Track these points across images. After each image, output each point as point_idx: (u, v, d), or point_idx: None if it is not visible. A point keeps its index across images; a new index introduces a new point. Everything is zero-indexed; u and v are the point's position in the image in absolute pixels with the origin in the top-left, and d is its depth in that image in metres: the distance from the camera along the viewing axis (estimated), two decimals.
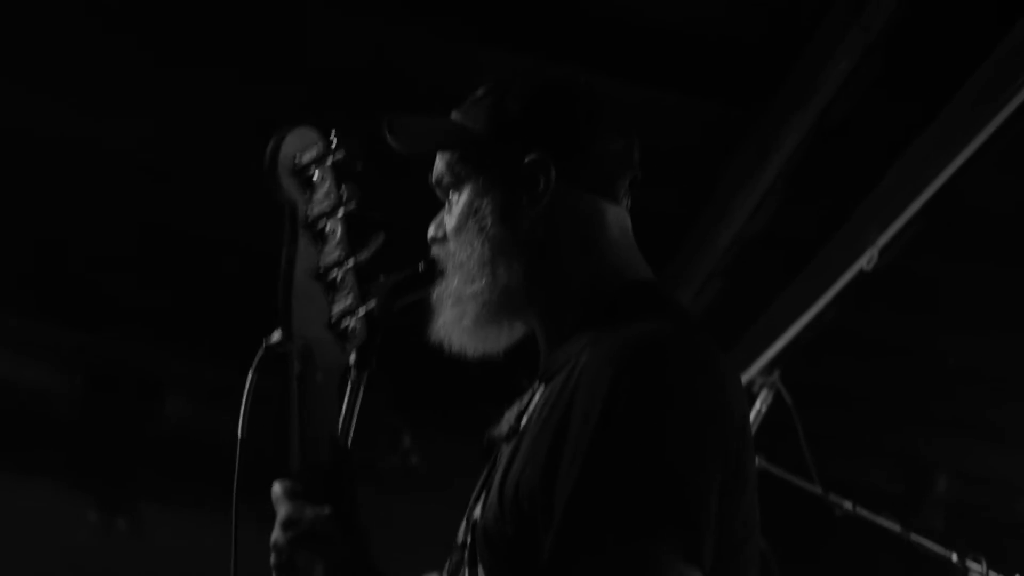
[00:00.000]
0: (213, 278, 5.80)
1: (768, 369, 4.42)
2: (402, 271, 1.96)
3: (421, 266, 1.97)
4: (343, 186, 1.86)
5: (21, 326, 6.51)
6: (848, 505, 3.80)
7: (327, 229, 1.85)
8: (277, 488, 1.79)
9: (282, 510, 1.77)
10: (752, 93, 3.98)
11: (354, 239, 1.88)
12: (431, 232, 1.98)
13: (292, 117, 1.88)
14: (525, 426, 1.82)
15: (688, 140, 4.21)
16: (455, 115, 1.97)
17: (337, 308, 1.86)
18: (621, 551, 1.58)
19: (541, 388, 1.85)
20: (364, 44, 4.10)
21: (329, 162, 1.84)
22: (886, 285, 4.35)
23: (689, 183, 4.42)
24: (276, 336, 1.85)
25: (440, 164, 1.96)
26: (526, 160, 1.88)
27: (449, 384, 4.45)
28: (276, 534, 1.77)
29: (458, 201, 1.94)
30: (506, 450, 1.84)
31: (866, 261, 4.10)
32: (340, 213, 1.85)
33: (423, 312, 1.97)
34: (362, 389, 1.89)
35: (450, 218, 1.95)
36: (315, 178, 1.83)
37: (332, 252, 1.86)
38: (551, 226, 1.90)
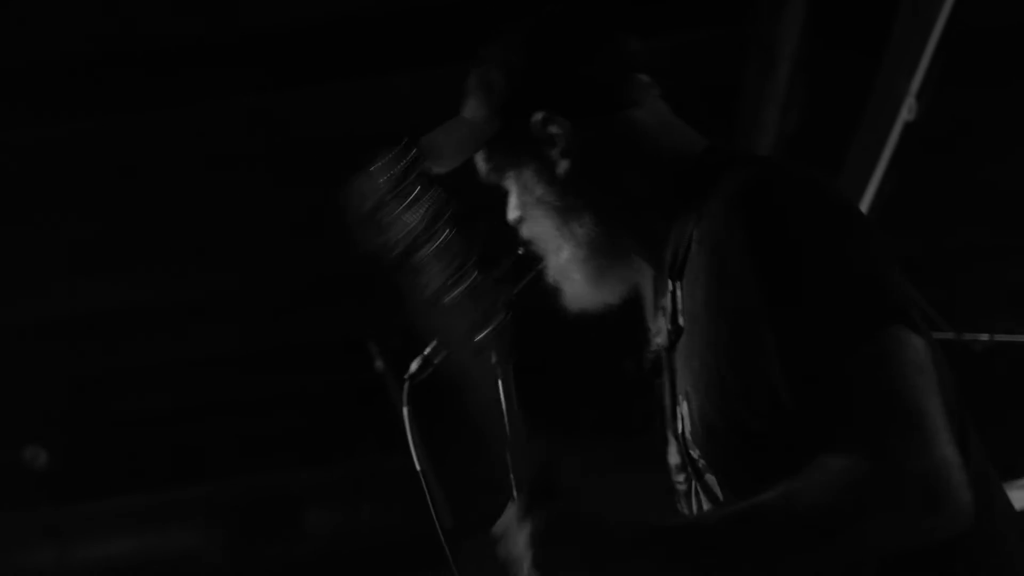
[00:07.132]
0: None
1: None
2: (505, 262, 2.04)
3: (520, 251, 2.03)
4: (424, 207, 1.93)
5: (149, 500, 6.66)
6: (984, 336, 3.87)
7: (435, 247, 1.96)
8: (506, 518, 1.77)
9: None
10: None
11: (457, 244, 1.97)
12: (511, 217, 2.04)
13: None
14: (687, 324, 1.84)
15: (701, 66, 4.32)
16: (463, 111, 2.04)
17: (480, 311, 1.96)
18: (867, 363, 1.62)
19: (676, 285, 1.87)
20: None
21: (399, 191, 1.92)
22: (931, 131, 4.36)
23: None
24: (414, 366, 1.99)
25: (479, 166, 2.03)
26: (533, 125, 1.94)
27: None
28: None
29: (511, 186, 2.01)
30: (679, 355, 1.87)
31: (907, 111, 4.13)
32: (437, 230, 1.94)
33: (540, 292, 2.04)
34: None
35: (513, 203, 2.02)
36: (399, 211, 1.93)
37: (448, 266, 1.95)
38: (594, 163, 1.94)
